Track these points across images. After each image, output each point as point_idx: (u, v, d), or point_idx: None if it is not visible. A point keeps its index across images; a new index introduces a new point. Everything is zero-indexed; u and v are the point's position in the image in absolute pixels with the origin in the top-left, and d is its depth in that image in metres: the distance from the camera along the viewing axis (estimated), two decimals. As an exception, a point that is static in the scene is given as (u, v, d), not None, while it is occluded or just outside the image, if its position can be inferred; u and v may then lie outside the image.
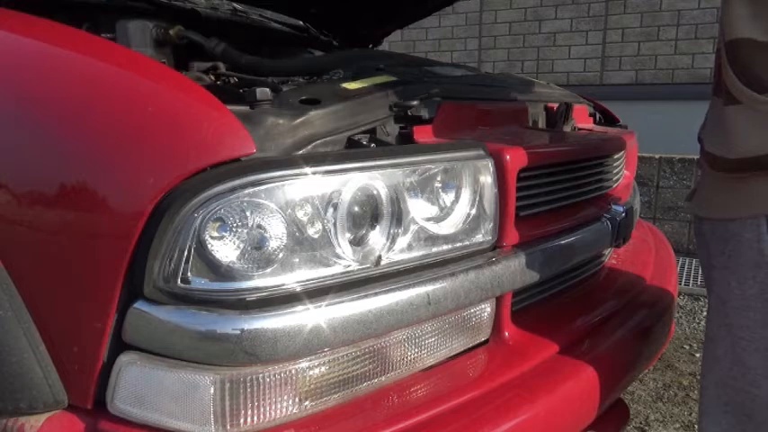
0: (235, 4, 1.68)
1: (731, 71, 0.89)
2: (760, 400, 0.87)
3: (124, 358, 0.74)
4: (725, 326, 0.92)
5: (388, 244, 0.82)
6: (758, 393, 0.87)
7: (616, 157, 1.41)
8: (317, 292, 0.76)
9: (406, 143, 0.95)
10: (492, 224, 0.93)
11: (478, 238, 0.92)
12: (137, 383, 0.74)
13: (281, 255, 0.73)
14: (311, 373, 0.78)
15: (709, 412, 0.97)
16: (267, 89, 0.82)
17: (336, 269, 0.77)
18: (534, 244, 1.01)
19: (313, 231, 0.75)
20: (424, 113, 0.98)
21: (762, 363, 0.87)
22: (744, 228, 0.88)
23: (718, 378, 0.94)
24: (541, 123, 1.25)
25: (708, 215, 0.95)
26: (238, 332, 0.70)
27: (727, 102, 0.90)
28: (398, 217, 0.82)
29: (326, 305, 0.75)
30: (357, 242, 0.80)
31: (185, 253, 0.71)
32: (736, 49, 0.88)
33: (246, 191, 0.71)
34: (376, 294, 0.79)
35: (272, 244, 0.73)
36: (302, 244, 0.74)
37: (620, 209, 1.27)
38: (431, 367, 0.91)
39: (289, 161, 0.75)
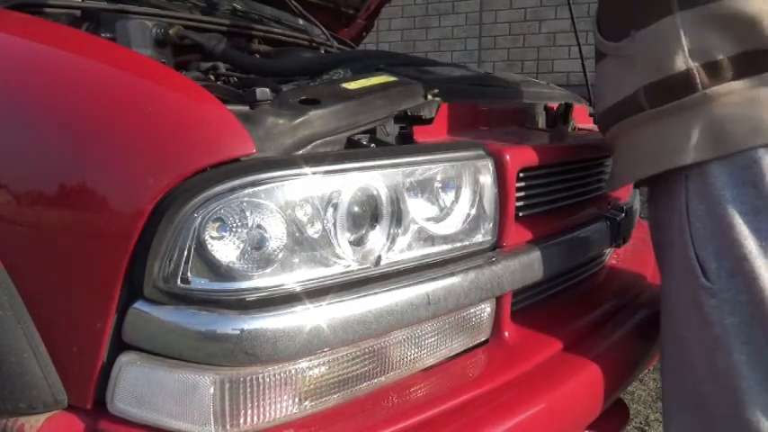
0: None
1: (597, 30, 0.98)
2: (711, 398, 0.90)
3: (124, 358, 0.74)
4: (671, 329, 0.95)
5: (388, 244, 0.82)
6: (707, 390, 0.90)
7: (616, 157, 1.41)
8: (316, 292, 0.76)
9: (406, 143, 0.95)
10: (492, 224, 0.93)
11: (478, 238, 0.92)
12: (137, 383, 0.74)
13: (280, 255, 0.73)
14: (311, 373, 0.77)
15: (669, 413, 0.99)
16: (267, 89, 0.82)
17: (336, 269, 0.77)
18: (534, 244, 1.01)
19: (313, 231, 0.75)
20: (424, 113, 0.98)
21: (705, 361, 0.89)
22: (673, 236, 0.92)
23: (672, 379, 0.97)
24: (541, 123, 1.25)
25: (622, 182, 1.00)
26: (238, 332, 0.70)
27: (598, 59, 0.98)
28: (398, 217, 0.82)
29: (326, 305, 0.75)
30: (357, 242, 0.80)
31: (185, 253, 0.71)
32: (599, 7, 0.98)
33: (246, 191, 0.71)
34: (376, 294, 0.79)
35: (272, 244, 0.73)
36: (302, 244, 0.74)
37: (620, 209, 1.27)
38: (431, 367, 0.91)
39: (288, 161, 0.75)
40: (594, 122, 1.45)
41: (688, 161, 0.86)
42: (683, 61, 0.84)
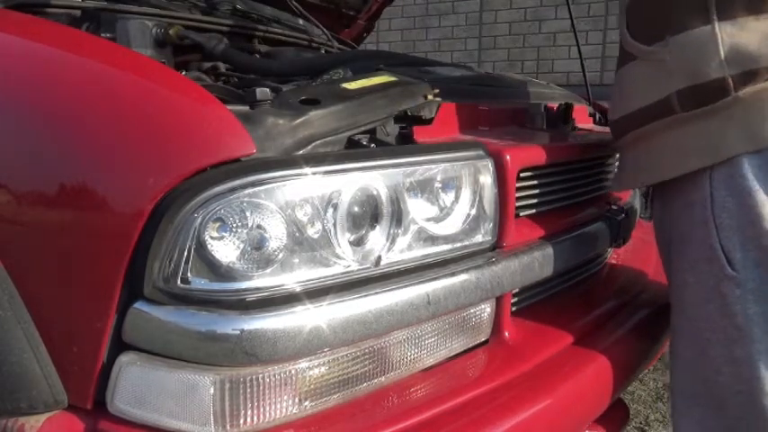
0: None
1: (627, 32, 0.99)
2: (726, 388, 0.92)
3: (124, 358, 0.74)
4: (686, 320, 0.97)
5: (388, 244, 0.82)
6: (723, 381, 0.92)
7: (616, 156, 1.41)
8: (316, 293, 0.76)
9: (406, 143, 0.95)
10: (492, 224, 0.93)
11: (478, 238, 0.92)
12: (136, 383, 0.74)
13: (280, 255, 0.73)
14: (311, 373, 0.77)
15: (679, 407, 1.01)
16: (267, 89, 0.82)
17: (336, 269, 0.77)
18: (534, 244, 1.01)
19: (313, 231, 0.75)
20: (424, 113, 0.98)
21: (723, 351, 0.91)
22: (692, 228, 0.93)
23: (684, 371, 0.99)
24: (541, 123, 1.25)
25: (645, 181, 1.03)
26: (238, 332, 0.70)
27: (624, 61, 1.00)
28: (398, 217, 0.82)
29: (326, 305, 0.75)
30: (357, 242, 0.80)
31: (185, 253, 0.71)
32: (635, 5, 0.98)
33: (246, 191, 0.71)
34: (376, 294, 0.79)
35: (272, 244, 0.73)
36: (302, 244, 0.74)
37: (620, 209, 1.27)
38: (431, 367, 0.91)
39: (288, 161, 0.75)
40: (597, 123, 1.45)
41: (720, 159, 0.88)
42: (719, 69, 0.86)
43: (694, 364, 0.96)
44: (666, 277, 1.04)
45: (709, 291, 0.92)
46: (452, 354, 0.94)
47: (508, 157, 0.94)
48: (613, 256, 1.47)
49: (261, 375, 0.74)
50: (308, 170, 0.74)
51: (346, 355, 0.80)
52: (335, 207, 0.76)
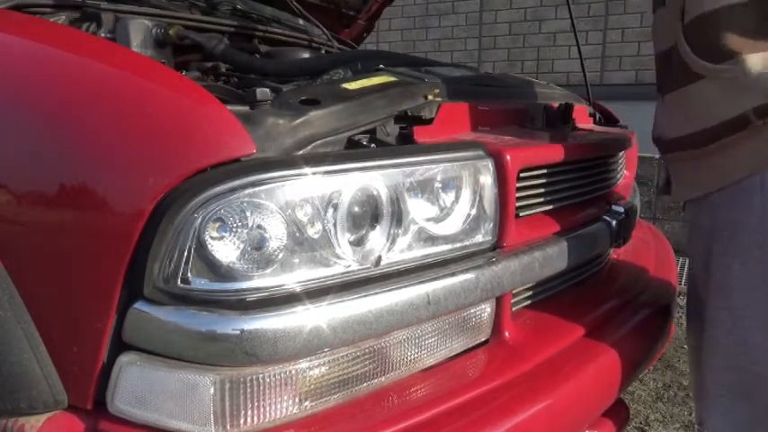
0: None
1: (690, 51, 0.99)
2: (759, 378, 0.92)
3: (124, 358, 0.74)
4: (725, 308, 0.97)
5: (389, 244, 0.82)
6: (758, 371, 0.93)
7: (617, 156, 1.41)
8: (317, 293, 0.76)
9: (406, 143, 0.95)
10: (492, 224, 0.93)
11: (478, 238, 0.92)
12: (137, 384, 0.74)
13: (281, 255, 0.73)
14: (311, 373, 0.77)
15: (706, 397, 1.01)
16: (267, 89, 0.82)
17: (336, 269, 0.77)
18: (534, 244, 1.01)
19: (313, 232, 0.75)
20: (425, 114, 0.98)
21: (762, 341, 0.92)
22: (744, 215, 0.94)
23: (717, 361, 0.99)
24: (541, 123, 1.25)
25: (707, 190, 1.01)
26: (238, 332, 0.70)
27: (689, 81, 1.00)
28: (398, 217, 0.82)
29: (327, 305, 0.75)
30: (357, 242, 0.80)
31: (185, 253, 0.71)
32: (697, 26, 0.98)
33: (246, 191, 0.71)
34: (376, 294, 0.79)
35: (272, 244, 0.73)
36: (302, 244, 0.74)
37: (620, 209, 1.27)
38: (431, 367, 0.91)
39: (289, 161, 0.75)
40: (597, 123, 1.45)
41: None
42: None
43: (731, 353, 0.96)
44: (700, 269, 1.03)
45: (757, 277, 0.93)
46: (452, 354, 0.94)
47: (508, 157, 0.94)
48: (613, 256, 1.47)
49: (261, 375, 0.74)
50: (308, 170, 0.74)
51: (346, 355, 0.80)
52: (336, 207, 0.76)
